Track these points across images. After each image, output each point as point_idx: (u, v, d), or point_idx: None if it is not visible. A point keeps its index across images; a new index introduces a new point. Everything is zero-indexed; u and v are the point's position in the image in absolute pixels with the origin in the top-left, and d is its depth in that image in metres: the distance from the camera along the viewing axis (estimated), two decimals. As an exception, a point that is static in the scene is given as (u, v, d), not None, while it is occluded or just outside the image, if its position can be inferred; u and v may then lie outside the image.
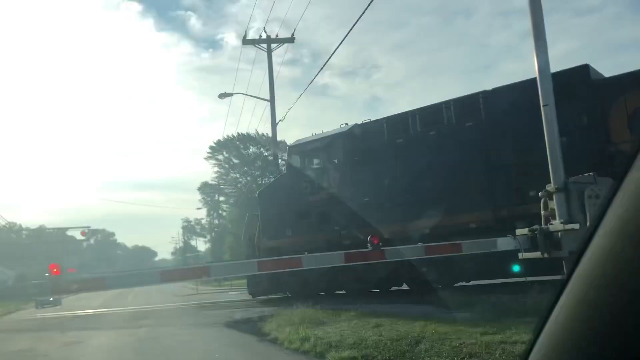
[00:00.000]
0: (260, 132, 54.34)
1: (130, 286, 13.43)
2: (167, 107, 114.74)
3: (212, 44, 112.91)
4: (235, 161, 57.42)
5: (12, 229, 76.87)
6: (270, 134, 31.27)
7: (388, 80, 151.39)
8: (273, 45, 25.98)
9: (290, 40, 26.07)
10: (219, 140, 58.11)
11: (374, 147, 15.14)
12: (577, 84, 11.83)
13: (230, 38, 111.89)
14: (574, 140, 11.08)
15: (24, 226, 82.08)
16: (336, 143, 16.15)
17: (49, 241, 70.05)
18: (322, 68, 22.79)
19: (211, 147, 58.64)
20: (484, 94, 13.55)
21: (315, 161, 16.90)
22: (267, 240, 17.72)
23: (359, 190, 15.19)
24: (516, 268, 10.17)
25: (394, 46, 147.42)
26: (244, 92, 28.30)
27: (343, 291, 16.22)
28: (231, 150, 58.18)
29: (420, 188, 13.92)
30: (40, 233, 62.79)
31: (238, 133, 56.72)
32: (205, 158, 59.13)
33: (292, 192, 16.83)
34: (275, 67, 26.47)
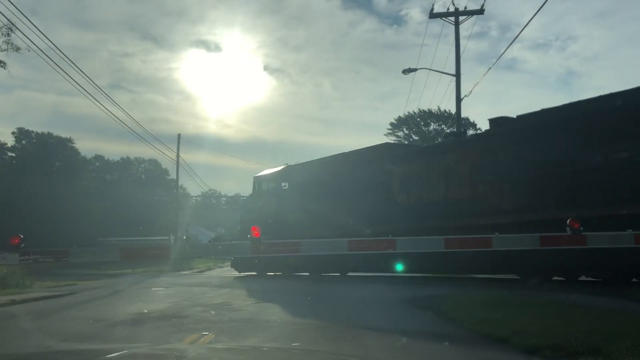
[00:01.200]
0: (442, 109, 53.27)
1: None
2: (347, 84, 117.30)
3: (396, 20, 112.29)
4: (415, 138, 57.00)
5: (213, 195, 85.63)
6: (453, 111, 30.51)
7: (586, 52, 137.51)
8: (461, 18, 25.13)
9: (480, 11, 24.93)
10: (399, 117, 58.21)
11: (297, 181, 23.42)
12: (380, 156, 20.06)
13: (415, 13, 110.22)
14: (377, 194, 19.36)
15: (222, 193, 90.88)
16: (276, 177, 24.80)
17: (242, 208, 76.64)
18: (513, 40, 21.74)
19: (391, 124, 58.98)
20: (347, 154, 22.19)
21: (266, 188, 24.93)
22: (245, 235, 25.06)
23: (290, 210, 22.48)
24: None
25: (595, 14, 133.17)
26: (428, 67, 27.84)
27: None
28: (411, 126, 57.91)
29: (316, 210, 21.23)
30: (236, 200, 69.06)
31: (419, 109, 56.25)
32: (385, 134, 59.62)
33: (254, 207, 24.99)
34: (462, 42, 25.58)
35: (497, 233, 11.45)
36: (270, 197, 24.45)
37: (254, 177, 26.24)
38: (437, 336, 8.11)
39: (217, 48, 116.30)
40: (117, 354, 2.25)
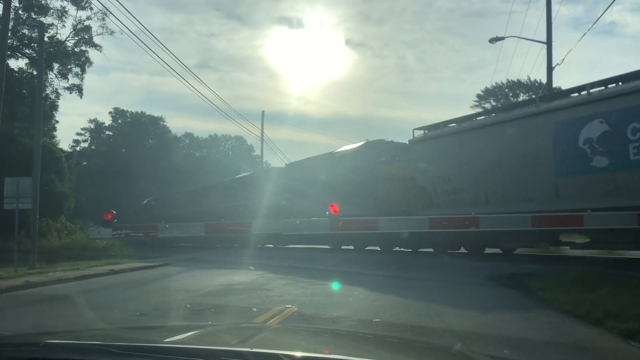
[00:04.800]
0: (532, 79, 50.83)
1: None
2: (431, 55, 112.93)
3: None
4: (503, 109, 54.91)
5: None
6: (544, 80, 28.95)
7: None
8: (553, -19, 23.59)
9: (574, -27, 23.29)
10: (486, 88, 56.13)
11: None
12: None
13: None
14: None
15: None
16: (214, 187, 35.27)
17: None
18: (612, 3, 20.01)
19: (478, 95, 57.02)
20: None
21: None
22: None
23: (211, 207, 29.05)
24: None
25: None
26: (517, 35, 26.52)
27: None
28: (499, 98, 55.72)
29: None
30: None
31: (508, 80, 54.01)
32: (471, 107, 57.77)
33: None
34: (554, 6, 24.07)
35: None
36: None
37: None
38: (524, 316, 7.82)
39: (300, 24, 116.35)
40: (180, 336, 2.27)
